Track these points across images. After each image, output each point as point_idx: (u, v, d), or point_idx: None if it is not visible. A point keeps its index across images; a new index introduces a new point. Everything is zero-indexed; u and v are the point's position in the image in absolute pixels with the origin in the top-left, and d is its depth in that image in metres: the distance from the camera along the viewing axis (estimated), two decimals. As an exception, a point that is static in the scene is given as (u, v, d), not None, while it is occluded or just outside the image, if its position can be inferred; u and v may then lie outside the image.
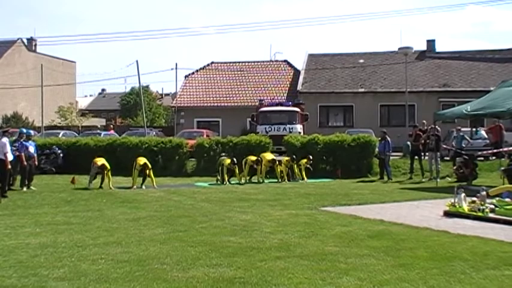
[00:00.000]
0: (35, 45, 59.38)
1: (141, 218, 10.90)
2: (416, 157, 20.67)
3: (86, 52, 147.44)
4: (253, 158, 19.43)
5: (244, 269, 6.76)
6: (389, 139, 20.69)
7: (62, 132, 36.42)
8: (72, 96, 63.83)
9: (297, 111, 28.18)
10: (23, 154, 16.57)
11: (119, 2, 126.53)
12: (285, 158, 20.48)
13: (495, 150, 20.47)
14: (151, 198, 14.49)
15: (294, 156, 20.63)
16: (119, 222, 10.50)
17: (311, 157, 20.62)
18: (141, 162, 17.74)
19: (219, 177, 19.10)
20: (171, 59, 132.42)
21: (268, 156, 20.09)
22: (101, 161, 17.68)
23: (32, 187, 16.70)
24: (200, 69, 44.36)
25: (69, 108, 58.07)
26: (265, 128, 26.36)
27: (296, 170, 20.18)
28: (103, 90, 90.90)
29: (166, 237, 8.86)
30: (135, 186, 17.22)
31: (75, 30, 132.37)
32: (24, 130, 17.98)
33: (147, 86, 73.15)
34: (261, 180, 19.23)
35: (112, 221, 10.57)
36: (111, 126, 42.47)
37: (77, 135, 34.83)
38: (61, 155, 22.80)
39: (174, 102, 42.49)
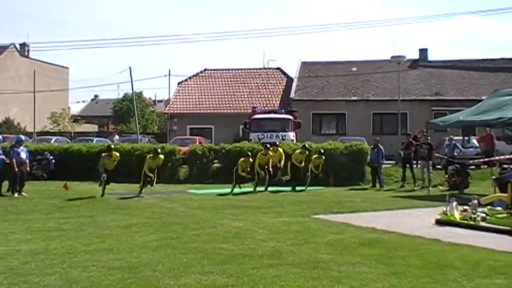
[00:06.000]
0: (28, 50, 59.23)
1: (133, 225, 10.88)
2: (408, 165, 20.74)
3: (79, 58, 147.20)
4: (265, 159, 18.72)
5: (237, 276, 6.74)
6: (381, 147, 20.78)
7: (54, 138, 36.23)
8: (64, 102, 63.60)
9: (290, 119, 28.20)
10: (14, 160, 16.51)
11: (112, 8, 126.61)
12: (297, 151, 20.02)
13: (486, 159, 20.55)
14: (144, 205, 14.45)
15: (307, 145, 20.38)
16: (111, 229, 10.47)
17: (322, 151, 20.12)
18: (158, 162, 17.29)
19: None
20: (165, 65, 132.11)
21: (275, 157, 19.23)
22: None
23: (23, 193, 16.60)
24: (193, 76, 44.33)
25: (61, 114, 57.85)
26: (258, 135, 26.34)
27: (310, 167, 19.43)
28: (96, 96, 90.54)
29: (158, 244, 8.84)
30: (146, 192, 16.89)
31: (69, 36, 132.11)
32: (23, 137, 18.15)
33: (140, 93, 72.90)
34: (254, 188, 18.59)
35: (104, 228, 10.53)
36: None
37: (69, 141, 34.69)
38: (53, 161, 22.70)
39: (167, 108, 42.43)
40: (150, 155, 17.51)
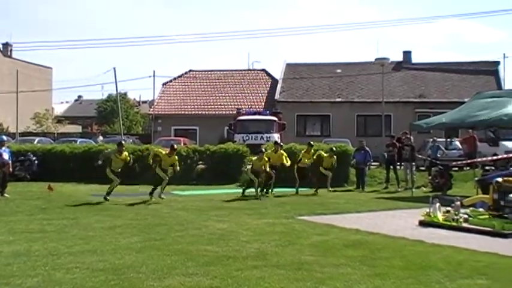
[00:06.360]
0: (11, 50, 58.63)
1: (117, 226, 10.82)
2: (391, 167, 20.86)
3: (63, 58, 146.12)
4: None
5: (221, 278, 6.74)
6: (368, 149, 20.88)
7: (37, 138, 35.96)
8: (48, 102, 63.04)
9: (275, 120, 28.29)
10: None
11: (97, 9, 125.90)
12: (325, 155, 19.01)
13: (469, 161, 20.75)
14: (128, 206, 14.38)
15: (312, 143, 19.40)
16: (95, 230, 10.41)
17: (334, 149, 19.68)
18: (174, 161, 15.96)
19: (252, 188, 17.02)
20: (149, 66, 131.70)
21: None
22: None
23: (5, 194, 16.43)
24: (178, 77, 44.28)
25: (45, 115, 57.38)
26: (243, 136, 26.40)
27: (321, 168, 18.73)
28: (79, 96, 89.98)
29: (142, 245, 8.80)
30: (163, 195, 15.69)
31: (53, 36, 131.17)
32: (5, 138, 17.89)
33: (125, 93, 72.64)
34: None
35: (87, 229, 10.47)
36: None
37: (52, 142, 34.44)
38: (36, 162, 22.51)
39: (152, 109, 42.34)
40: (165, 152, 16.25)
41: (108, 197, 15.25)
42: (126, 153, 16.01)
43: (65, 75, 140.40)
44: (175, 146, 16.86)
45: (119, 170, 15.71)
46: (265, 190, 17.53)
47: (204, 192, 18.26)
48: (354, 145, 24.02)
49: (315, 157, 19.00)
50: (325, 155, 19.13)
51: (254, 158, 17.55)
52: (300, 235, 9.92)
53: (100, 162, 15.65)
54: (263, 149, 18.27)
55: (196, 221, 11.61)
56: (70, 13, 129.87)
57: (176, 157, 16.38)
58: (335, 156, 19.35)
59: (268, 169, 17.04)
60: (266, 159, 17.18)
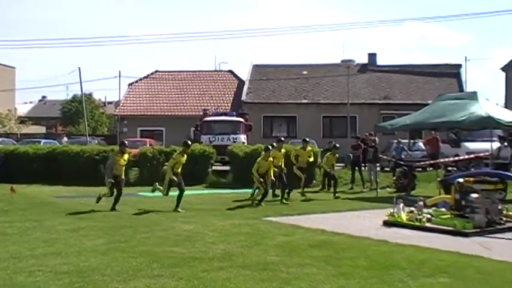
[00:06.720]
0: (-28, 49, 57.53)
1: (82, 228, 10.69)
2: (357, 168, 21.07)
3: (27, 58, 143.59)
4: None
5: (186, 279, 6.73)
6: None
7: (-1, 139, 35.31)
8: (11, 102, 61.94)
9: (241, 121, 28.29)
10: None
11: (62, 8, 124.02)
12: (327, 154, 18.00)
13: (432, 162, 21.11)
14: (93, 208, 14.21)
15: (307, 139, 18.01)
16: (59, 232, 10.27)
17: (338, 146, 18.79)
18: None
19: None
20: (115, 66, 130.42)
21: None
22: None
23: (-34, 196, 16.08)
24: (144, 77, 43.94)
25: (7, 115, 56.39)
26: (209, 137, 26.36)
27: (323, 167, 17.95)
28: (44, 97, 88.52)
29: (107, 247, 8.72)
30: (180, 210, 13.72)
31: (16, 35, 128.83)
32: None
33: (90, 94, 71.87)
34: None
35: (51, 232, 10.32)
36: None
37: (15, 143, 33.83)
38: (-2, 163, 22.09)
39: (117, 110, 41.97)
40: (177, 152, 14.58)
41: (115, 207, 13.74)
42: (131, 150, 14.28)
43: (28, 75, 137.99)
44: (189, 142, 15.00)
45: (120, 174, 14.02)
46: (284, 194, 15.81)
47: (170, 194, 18.12)
48: (319, 146, 24.20)
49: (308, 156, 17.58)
50: (328, 154, 18.61)
51: (259, 158, 15.27)
52: (265, 236, 9.96)
53: (109, 178, 13.81)
54: (269, 147, 15.69)
55: (163, 223, 11.56)
56: (34, 12, 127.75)
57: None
58: (337, 155, 18.88)
59: (272, 174, 15.12)
60: (272, 159, 15.20)
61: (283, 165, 16.10)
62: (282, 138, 17.59)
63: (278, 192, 16.13)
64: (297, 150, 17.83)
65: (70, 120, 70.08)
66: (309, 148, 17.92)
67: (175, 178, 13.92)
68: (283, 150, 16.47)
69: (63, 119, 73.68)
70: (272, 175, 15.24)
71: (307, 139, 18.48)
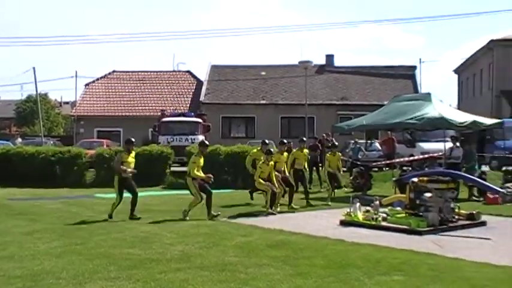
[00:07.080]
0: None
1: (37, 231, 10.50)
2: (314, 168, 21.25)
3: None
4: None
5: (144, 281, 6.69)
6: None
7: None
8: (-38, 102, 60.34)
9: (199, 122, 28.24)
10: None
11: (17, 6, 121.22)
12: (327, 154, 16.77)
13: (388, 162, 21.47)
14: (48, 210, 13.98)
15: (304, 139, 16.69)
16: (13, 235, 10.07)
17: (336, 144, 18.08)
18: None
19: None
20: (71, 66, 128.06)
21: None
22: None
23: None
24: (101, 77, 43.34)
25: (-42, 116, 54.90)
26: (167, 138, 26.21)
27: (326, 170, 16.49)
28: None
29: (62, 250, 8.59)
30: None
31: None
32: None
33: (45, 94, 70.54)
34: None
35: (4, 234, 10.11)
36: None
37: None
38: None
39: (74, 111, 41.29)
40: (195, 154, 13.15)
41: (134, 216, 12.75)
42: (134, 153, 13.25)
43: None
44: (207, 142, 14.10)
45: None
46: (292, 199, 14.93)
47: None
48: (277, 147, 24.26)
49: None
50: (327, 154, 17.24)
51: (260, 162, 14.02)
52: (224, 236, 9.97)
53: (127, 169, 12.73)
54: (271, 150, 14.43)
55: (120, 224, 11.45)
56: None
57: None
58: (339, 153, 17.61)
59: (274, 179, 13.91)
60: (272, 163, 13.91)
61: (286, 171, 15.06)
62: (304, 138, 16.87)
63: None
64: (294, 152, 16.03)
65: (25, 121, 68.65)
66: (305, 150, 16.38)
67: (203, 175, 12.75)
68: (285, 154, 15.26)
69: (17, 119, 72.14)
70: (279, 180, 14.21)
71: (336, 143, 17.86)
